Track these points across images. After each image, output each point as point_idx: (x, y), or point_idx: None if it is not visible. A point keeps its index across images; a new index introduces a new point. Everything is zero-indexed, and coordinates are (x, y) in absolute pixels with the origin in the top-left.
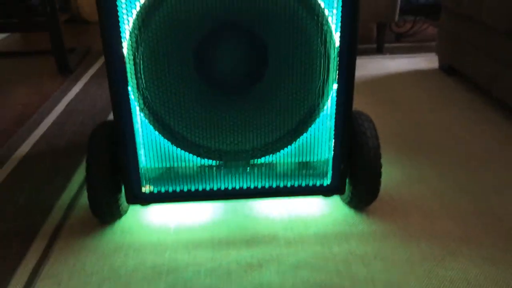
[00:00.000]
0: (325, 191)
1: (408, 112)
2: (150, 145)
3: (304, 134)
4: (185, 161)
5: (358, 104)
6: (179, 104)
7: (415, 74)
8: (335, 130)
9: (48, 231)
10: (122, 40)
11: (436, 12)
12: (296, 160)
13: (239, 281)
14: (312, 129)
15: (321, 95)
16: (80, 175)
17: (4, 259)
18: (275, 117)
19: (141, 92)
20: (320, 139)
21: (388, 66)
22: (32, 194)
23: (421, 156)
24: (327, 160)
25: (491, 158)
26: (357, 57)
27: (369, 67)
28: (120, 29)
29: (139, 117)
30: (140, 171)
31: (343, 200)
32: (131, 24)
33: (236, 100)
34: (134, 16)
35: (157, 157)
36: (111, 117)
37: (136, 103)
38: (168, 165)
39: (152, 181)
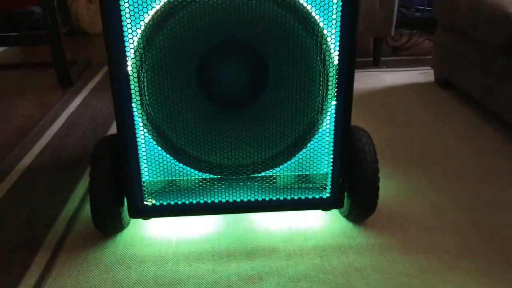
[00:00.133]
0: (324, 205)
1: (405, 125)
2: (152, 159)
3: (304, 149)
4: (187, 175)
5: (355, 117)
6: (181, 120)
7: (411, 87)
8: (334, 145)
9: (51, 244)
10: (127, 58)
11: (431, 26)
12: (296, 174)
13: None
14: (311, 144)
15: (320, 111)
16: (82, 188)
17: (8, 272)
18: (275, 132)
19: (145, 108)
20: (319, 153)
21: (384, 79)
22: (35, 206)
23: (418, 169)
24: (326, 174)
25: (486, 171)
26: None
27: (365, 80)
28: (125, 47)
29: (142, 132)
30: (142, 185)
31: (342, 213)
32: (135, 42)
33: (237, 116)
34: (139, 35)
35: (159, 171)
36: (112, 130)
37: (139, 119)
38: (170, 179)
39: (154, 194)
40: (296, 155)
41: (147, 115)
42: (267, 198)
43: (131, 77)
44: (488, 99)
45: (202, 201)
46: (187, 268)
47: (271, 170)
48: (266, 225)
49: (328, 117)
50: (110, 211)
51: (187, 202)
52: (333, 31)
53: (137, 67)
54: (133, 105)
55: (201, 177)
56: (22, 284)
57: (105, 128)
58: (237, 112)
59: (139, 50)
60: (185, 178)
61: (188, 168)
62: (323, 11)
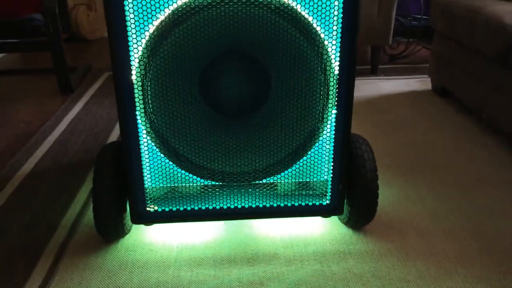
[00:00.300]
0: (324, 211)
1: (403, 133)
2: (155, 166)
3: (304, 157)
4: (189, 181)
5: (354, 124)
6: (184, 128)
7: (408, 95)
8: (334, 152)
9: (53, 249)
10: (131, 66)
11: (428, 34)
12: (296, 181)
13: None
14: (312, 151)
15: (321, 120)
16: (84, 193)
17: (11, 277)
18: (276, 140)
19: (148, 116)
20: (319, 161)
21: (382, 87)
22: (36, 212)
23: (416, 176)
24: (326, 181)
25: (482, 178)
26: None
27: (363, 87)
28: (130, 56)
29: (145, 140)
30: (145, 191)
31: (341, 220)
32: (140, 51)
33: (239, 124)
34: (143, 44)
35: (162, 178)
36: (113, 136)
37: (143, 127)
38: (172, 186)
39: (156, 201)
40: (297, 163)
41: (151, 122)
42: (268, 205)
43: (135, 86)
44: (484, 107)
45: (203, 208)
46: (188, 274)
47: (272, 177)
48: (267, 231)
49: (328, 126)
50: (112, 217)
51: (189, 208)
52: (334, 42)
53: (141, 76)
54: (137, 113)
55: (203, 184)
56: None
57: (106, 134)
58: (239, 120)
59: (144, 59)
60: (187, 184)
61: (190, 175)
62: (324, 23)
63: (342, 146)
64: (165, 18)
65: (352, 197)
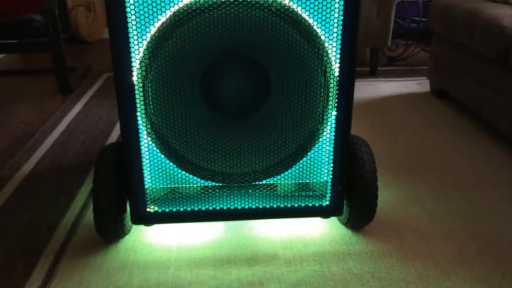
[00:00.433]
0: (323, 212)
1: (402, 134)
2: (155, 167)
3: (304, 158)
4: (189, 182)
5: (353, 126)
6: (185, 129)
7: (407, 97)
8: (333, 154)
9: (53, 250)
10: (133, 68)
11: (427, 37)
12: (296, 182)
13: None
14: (312, 153)
15: (321, 121)
16: (83, 193)
17: (11, 278)
18: (276, 141)
19: (149, 117)
20: (319, 162)
21: (381, 89)
22: (36, 212)
23: (415, 178)
24: (326, 182)
25: (481, 180)
26: None
27: (363, 90)
28: (131, 58)
29: (146, 141)
30: (145, 191)
31: (341, 221)
32: (141, 53)
33: (239, 125)
34: (145, 46)
35: (162, 178)
36: (112, 137)
37: (143, 128)
38: (172, 186)
39: (156, 201)
40: (297, 164)
41: (151, 124)
42: (267, 206)
43: (136, 87)
44: (483, 109)
45: (203, 208)
46: (188, 274)
47: (272, 178)
48: (267, 232)
49: (328, 127)
50: (112, 217)
51: (189, 209)
52: (334, 44)
53: (143, 77)
54: (138, 114)
55: (203, 185)
56: None
57: (105, 135)
58: (239, 121)
59: (145, 61)
60: (187, 185)
61: (191, 176)
62: (325, 25)
63: (342, 148)
64: (166, 20)
65: (352, 198)
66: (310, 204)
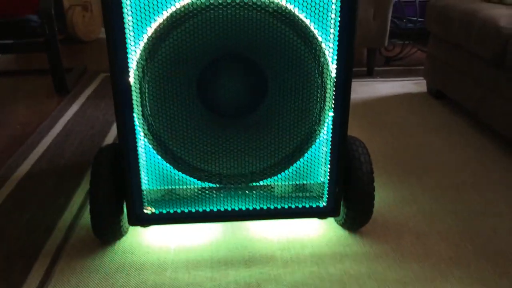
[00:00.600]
0: (320, 213)
1: (399, 135)
2: (152, 168)
3: (301, 159)
4: (186, 183)
5: (350, 126)
6: (181, 130)
7: (404, 97)
8: (330, 155)
9: (50, 251)
10: (129, 69)
11: (424, 37)
12: (293, 183)
13: None
14: (308, 154)
15: (318, 122)
16: (80, 195)
17: (7, 279)
18: (273, 142)
19: (146, 118)
20: (316, 163)
21: (378, 89)
22: (33, 214)
23: (412, 178)
24: (323, 183)
25: (478, 180)
26: None
27: (360, 90)
28: (128, 59)
29: (142, 142)
30: (142, 193)
31: (338, 221)
32: (138, 54)
33: (236, 126)
34: (141, 47)
35: (159, 180)
36: (109, 138)
37: (140, 129)
38: (169, 188)
39: (153, 203)
40: (294, 165)
41: (148, 125)
42: (265, 207)
43: (133, 88)
44: (480, 109)
45: (200, 210)
46: (185, 276)
47: (269, 179)
48: (264, 233)
49: (325, 128)
50: (109, 219)
51: (186, 210)
52: (331, 45)
53: (139, 79)
54: (135, 115)
55: (200, 186)
56: None
57: (102, 136)
58: (236, 122)
59: (141, 62)
60: (184, 186)
61: (187, 177)
62: (322, 26)
63: (339, 149)
64: (163, 21)
65: (349, 199)
66: (307, 205)
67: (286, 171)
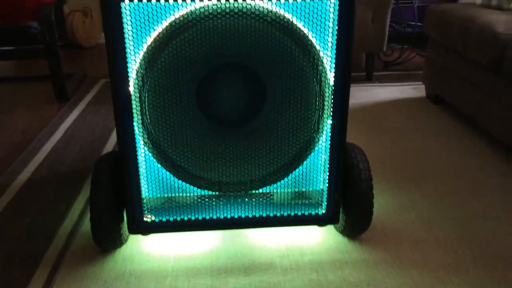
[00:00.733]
0: (319, 220)
1: (397, 140)
2: (152, 176)
3: (300, 166)
4: (185, 191)
5: (349, 131)
6: (181, 139)
7: (403, 102)
8: (329, 162)
9: (51, 259)
10: (129, 78)
11: (422, 41)
12: (292, 191)
13: None
14: (307, 161)
15: (316, 130)
16: (81, 201)
17: (8, 287)
18: (272, 150)
19: (146, 127)
20: (315, 171)
21: (377, 94)
22: (34, 220)
23: (411, 184)
24: (322, 191)
25: (476, 186)
26: None
27: (358, 94)
28: (127, 68)
29: (142, 150)
30: (142, 201)
31: (337, 229)
32: (137, 63)
33: (236, 134)
34: (141, 56)
35: (159, 188)
36: (109, 144)
37: (140, 137)
38: (169, 196)
39: (153, 211)
40: (293, 172)
41: (148, 133)
42: (264, 214)
43: (133, 97)
44: (478, 115)
45: (200, 217)
46: (185, 284)
47: (268, 186)
48: (263, 241)
49: (324, 136)
50: (109, 227)
51: (185, 218)
52: (329, 53)
53: (139, 87)
54: (135, 123)
55: (199, 194)
56: None
57: (102, 142)
58: (235, 131)
59: (141, 71)
60: (184, 194)
61: (187, 185)
62: (320, 35)
63: (338, 156)
64: (163, 30)
65: (348, 206)
66: (306, 213)
67: (285, 179)
